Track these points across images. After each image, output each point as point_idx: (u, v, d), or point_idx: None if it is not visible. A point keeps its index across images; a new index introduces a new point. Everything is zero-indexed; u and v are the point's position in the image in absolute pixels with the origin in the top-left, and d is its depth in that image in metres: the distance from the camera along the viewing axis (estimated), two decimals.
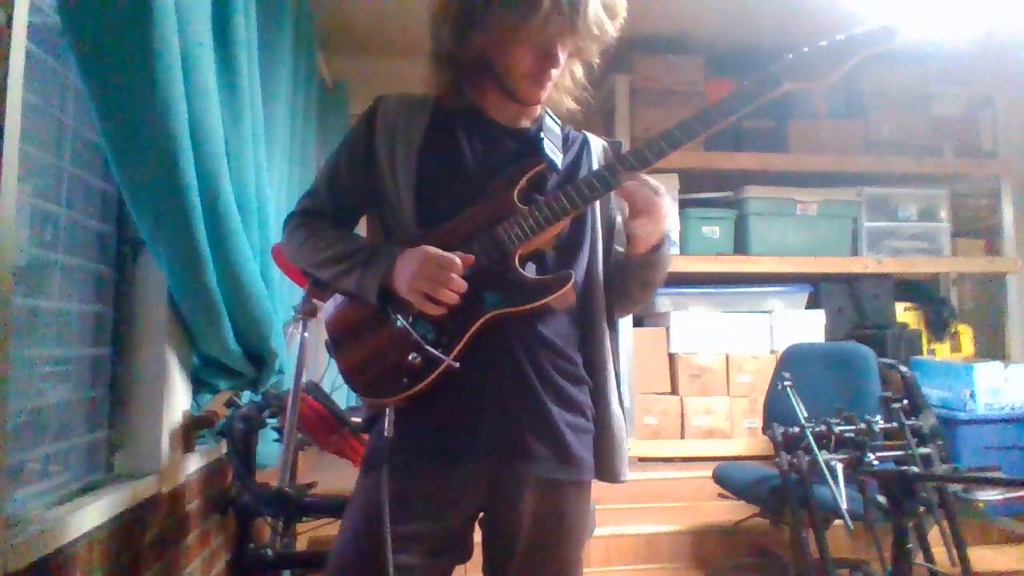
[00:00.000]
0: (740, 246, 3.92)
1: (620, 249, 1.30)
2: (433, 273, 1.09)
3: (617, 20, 1.16)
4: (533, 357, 1.16)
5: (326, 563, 1.19)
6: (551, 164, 1.20)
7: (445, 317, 1.11)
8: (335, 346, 1.21)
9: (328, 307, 1.26)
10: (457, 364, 1.10)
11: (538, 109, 1.28)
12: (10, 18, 1.07)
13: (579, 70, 1.26)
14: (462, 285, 1.09)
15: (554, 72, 1.17)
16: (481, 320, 1.12)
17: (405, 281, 1.10)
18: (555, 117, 1.29)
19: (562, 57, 1.16)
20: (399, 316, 1.12)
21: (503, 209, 1.15)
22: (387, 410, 1.13)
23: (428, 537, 1.15)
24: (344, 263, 1.17)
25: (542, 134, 1.24)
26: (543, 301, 1.12)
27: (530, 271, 1.17)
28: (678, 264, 3.74)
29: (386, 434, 1.12)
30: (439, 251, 1.10)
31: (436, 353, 1.10)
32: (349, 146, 1.26)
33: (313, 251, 1.21)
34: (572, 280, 1.13)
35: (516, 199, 1.15)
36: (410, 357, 1.10)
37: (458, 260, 1.10)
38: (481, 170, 1.19)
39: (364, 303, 1.16)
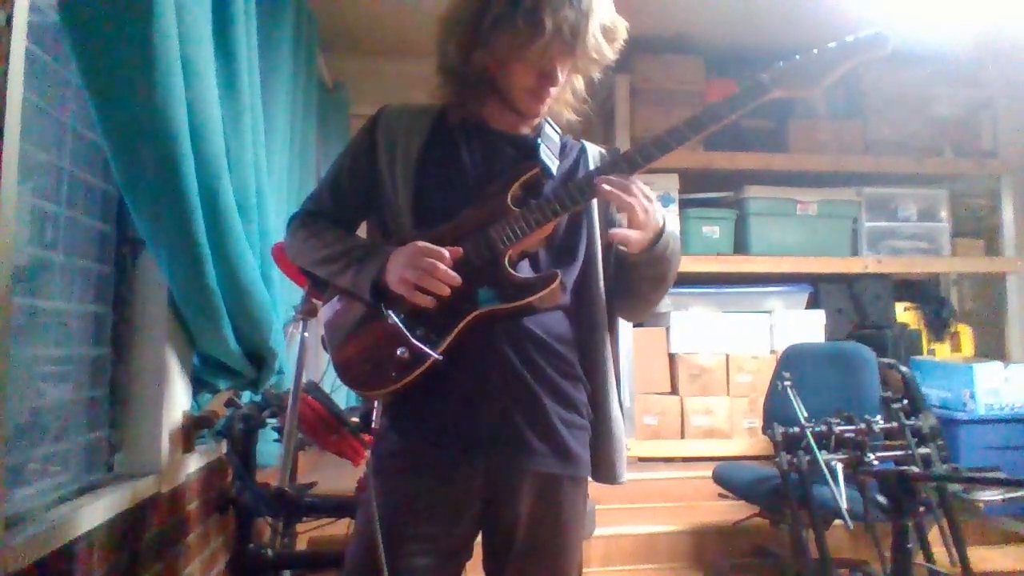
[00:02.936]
0: (740, 246, 3.92)
1: (624, 249, 1.30)
2: (421, 263, 1.11)
3: (616, 43, 1.19)
4: (526, 354, 1.18)
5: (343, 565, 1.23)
6: (545, 169, 1.23)
7: (435, 314, 1.14)
8: (330, 341, 1.25)
9: (326, 308, 1.29)
10: (441, 358, 1.13)
11: (537, 118, 1.30)
12: (10, 18, 1.07)
13: (580, 83, 1.28)
14: (452, 276, 1.12)
15: (553, 89, 1.20)
16: (469, 317, 1.14)
17: (395, 273, 1.14)
18: (555, 126, 1.32)
19: (562, 76, 1.19)
20: (391, 312, 1.15)
21: (496, 211, 1.17)
22: (376, 403, 1.18)
23: (439, 538, 1.17)
24: (340, 261, 1.21)
25: (539, 140, 1.26)
26: (528, 299, 1.15)
27: (524, 270, 1.19)
28: None
29: (374, 425, 1.17)
30: (428, 244, 1.14)
31: (423, 348, 1.12)
32: (352, 153, 1.30)
33: (312, 250, 1.26)
34: (558, 279, 1.15)
35: (509, 202, 1.18)
36: (398, 352, 1.13)
37: (446, 252, 1.13)
38: (479, 176, 1.22)
39: (360, 300, 1.20)
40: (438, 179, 1.23)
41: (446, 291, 1.12)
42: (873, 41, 1.11)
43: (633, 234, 1.15)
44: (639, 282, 1.26)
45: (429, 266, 1.11)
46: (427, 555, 1.16)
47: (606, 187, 1.13)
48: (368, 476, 1.19)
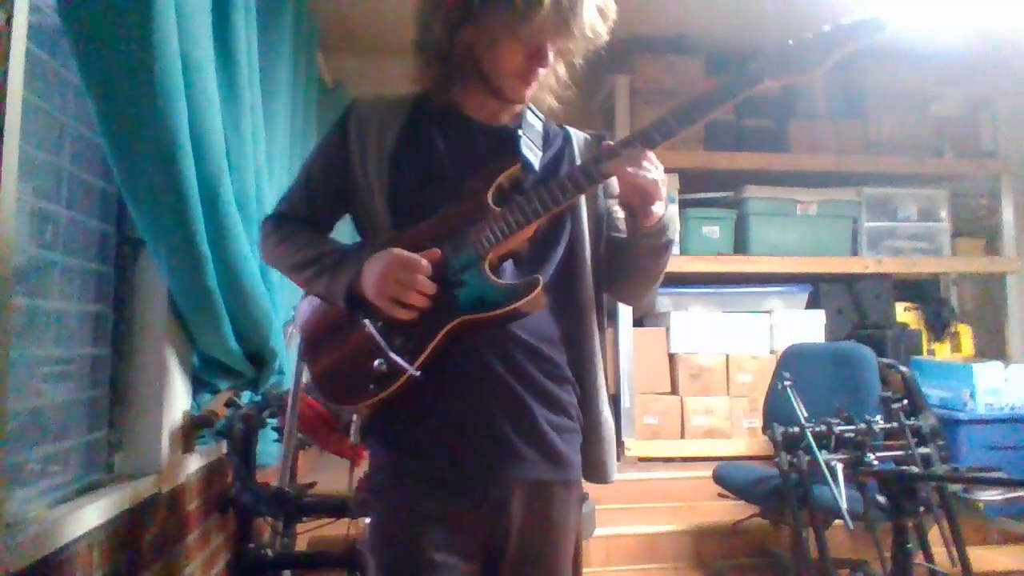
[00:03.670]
0: (740, 246, 3.92)
1: (617, 235, 1.26)
2: (399, 276, 1.07)
3: (608, 23, 1.15)
4: (510, 359, 1.13)
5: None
6: (527, 164, 1.18)
7: (414, 322, 1.09)
8: (306, 351, 1.21)
9: (303, 311, 1.24)
10: (418, 374, 1.08)
11: (519, 105, 1.24)
12: (10, 18, 1.07)
13: (562, 68, 1.23)
14: (429, 286, 1.08)
15: (541, 71, 1.16)
16: (449, 325, 1.09)
17: (371, 285, 1.09)
18: (537, 112, 1.26)
19: (551, 56, 1.15)
20: (368, 321, 1.10)
21: (476, 211, 1.12)
22: (354, 416, 1.13)
23: (457, 540, 1.14)
24: (314, 267, 1.17)
25: (520, 131, 1.21)
26: (510, 308, 1.09)
27: (507, 269, 1.15)
28: (678, 264, 3.74)
29: (351, 440, 1.13)
30: (404, 253, 1.09)
31: (400, 362, 1.08)
32: (322, 151, 1.26)
33: (286, 255, 1.21)
34: (540, 286, 1.10)
35: (490, 200, 1.13)
36: (376, 363, 1.09)
37: (424, 261, 1.08)
38: (456, 169, 1.17)
39: (336, 307, 1.15)
40: (414, 174, 1.17)
41: (425, 302, 1.08)
42: (869, 25, 1.07)
43: (656, 208, 1.12)
44: (645, 256, 1.21)
45: (409, 280, 1.07)
46: (454, 568, 1.13)
47: (629, 170, 1.07)
48: (367, 498, 1.17)
